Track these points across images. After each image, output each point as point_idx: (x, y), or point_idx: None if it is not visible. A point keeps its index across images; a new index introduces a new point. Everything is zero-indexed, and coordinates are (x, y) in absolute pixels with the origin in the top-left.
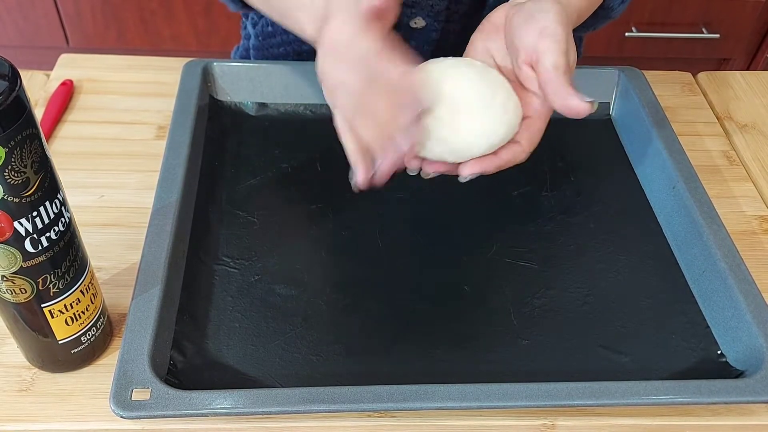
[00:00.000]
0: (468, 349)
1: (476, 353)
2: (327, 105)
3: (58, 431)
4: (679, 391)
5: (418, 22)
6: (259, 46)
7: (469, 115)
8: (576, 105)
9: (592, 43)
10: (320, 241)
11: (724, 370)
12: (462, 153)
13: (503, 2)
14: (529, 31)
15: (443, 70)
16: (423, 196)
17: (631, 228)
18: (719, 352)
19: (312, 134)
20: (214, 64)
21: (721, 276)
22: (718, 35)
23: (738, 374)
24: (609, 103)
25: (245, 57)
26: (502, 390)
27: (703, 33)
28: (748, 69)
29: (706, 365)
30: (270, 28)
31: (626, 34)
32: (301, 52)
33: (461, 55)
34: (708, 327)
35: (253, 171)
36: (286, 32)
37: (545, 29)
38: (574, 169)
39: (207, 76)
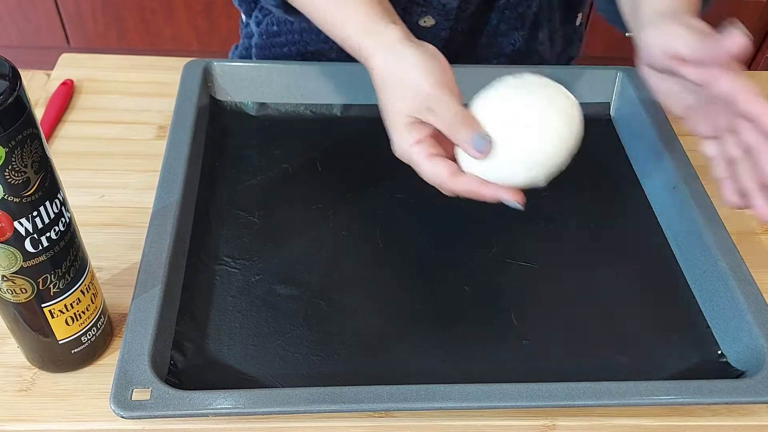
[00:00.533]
0: (468, 349)
1: (476, 353)
2: (327, 105)
3: (58, 431)
4: (680, 392)
5: (428, 21)
6: (262, 45)
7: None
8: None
9: (592, 43)
10: (320, 241)
11: (725, 371)
12: (543, 158)
13: (512, 6)
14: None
15: (510, 89)
16: (423, 196)
17: (631, 228)
18: (720, 352)
19: (312, 134)
20: (215, 64)
21: (721, 276)
22: None
23: (739, 374)
24: (609, 103)
25: (245, 56)
26: (502, 390)
27: None
28: (748, 69)
29: (707, 365)
30: (275, 28)
31: (626, 34)
32: (306, 52)
33: (469, 54)
34: (708, 327)
35: (253, 171)
36: (291, 32)
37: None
38: (574, 169)
39: (207, 76)
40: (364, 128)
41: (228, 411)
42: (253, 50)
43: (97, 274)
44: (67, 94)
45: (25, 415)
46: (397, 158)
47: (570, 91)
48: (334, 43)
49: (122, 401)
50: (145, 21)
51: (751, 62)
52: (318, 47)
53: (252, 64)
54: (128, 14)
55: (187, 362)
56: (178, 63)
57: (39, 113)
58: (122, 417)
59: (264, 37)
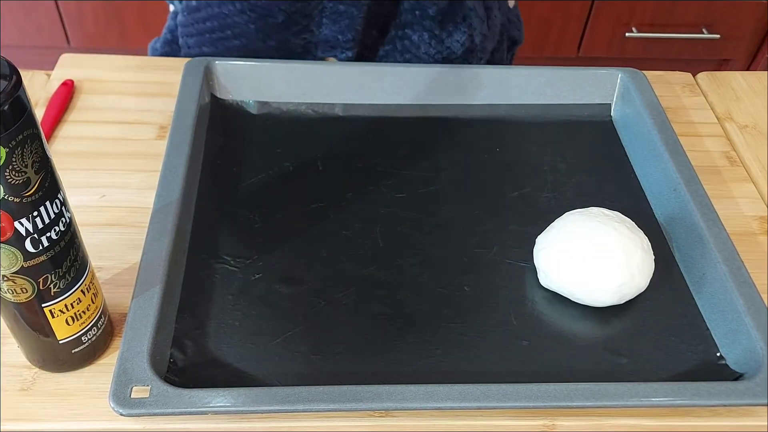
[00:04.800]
0: (468, 349)
1: (476, 353)
2: (329, 104)
3: (58, 431)
4: (678, 393)
5: None
6: (185, 23)
7: (613, 265)
8: None
9: (593, 43)
10: (320, 240)
11: (724, 373)
12: (591, 298)
13: None
14: None
15: (599, 220)
16: (423, 196)
17: None
18: (719, 354)
19: (314, 133)
20: (216, 62)
21: (721, 279)
22: (718, 36)
23: (737, 377)
24: (610, 104)
25: (169, 41)
26: (502, 390)
27: (703, 34)
28: (748, 69)
29: (706, 367)
30: (194, 3)
31: (627, 34)
32: (226, 25)
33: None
34: (708, 329)
35: (254, 170)
36: (210, 5)
37: None
38: (575, 170)
39: (208, 75)
40: (366, 128)
41: (227, 409)
42: (179, 29)
43: (97, 274)
44: (67, 94)
45: (25, 414)
46: (397, 158)
47: (571, 92)
48: (252, 12)
49: (121, 399)
50: (145, 21)
51: (751, 62)
52: (241, 19)
53: (254, 63)
54: (128, 14)
55: (187, 360)
56: (178, 63)
57: (39, 113)
58: (121, 415)
59: (186, 13)
